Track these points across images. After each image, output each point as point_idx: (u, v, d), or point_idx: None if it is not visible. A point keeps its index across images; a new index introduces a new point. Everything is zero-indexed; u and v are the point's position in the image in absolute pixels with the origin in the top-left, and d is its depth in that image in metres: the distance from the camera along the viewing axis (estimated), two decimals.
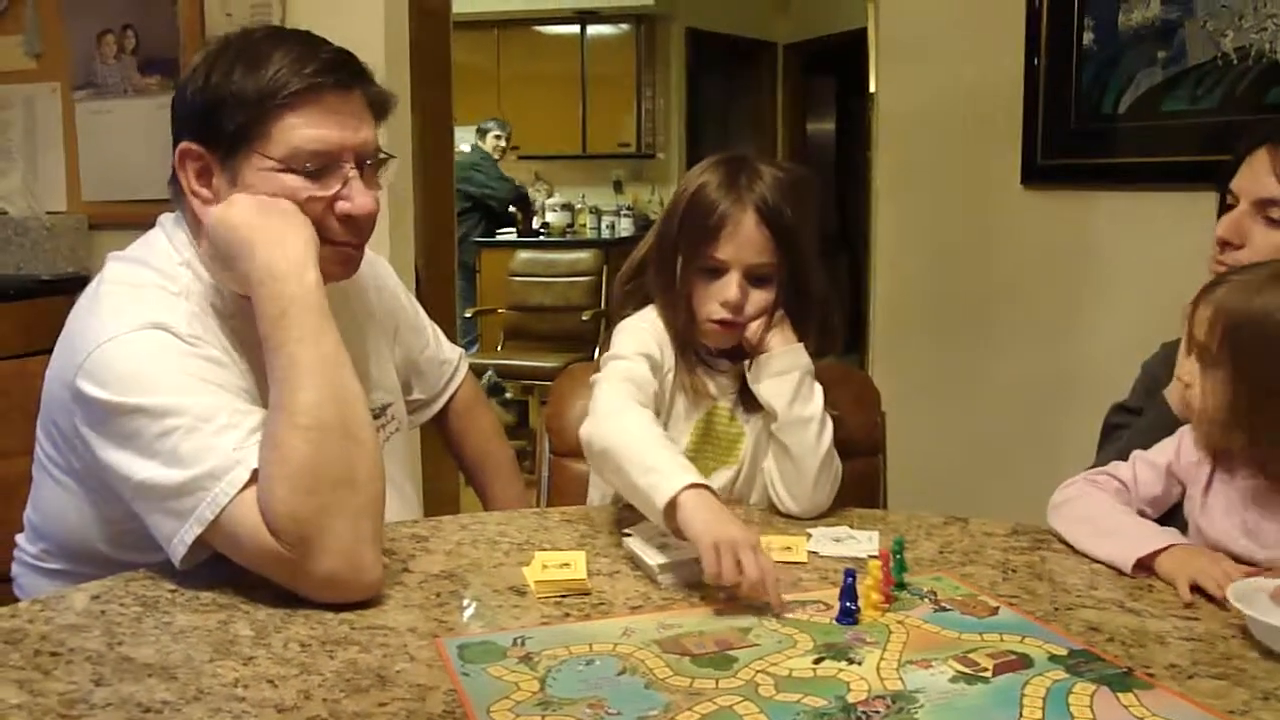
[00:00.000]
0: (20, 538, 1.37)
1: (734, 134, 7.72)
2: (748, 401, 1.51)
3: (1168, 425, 1.35)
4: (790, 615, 1.09)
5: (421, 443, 2.35)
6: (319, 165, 1.25)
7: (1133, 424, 1.50)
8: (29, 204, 2.88)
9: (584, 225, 7.31)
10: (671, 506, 1.16)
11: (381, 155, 1.32)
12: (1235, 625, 1.05)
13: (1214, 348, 1.19)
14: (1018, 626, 1.06)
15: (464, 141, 5.93)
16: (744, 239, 1.42)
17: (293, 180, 1.24)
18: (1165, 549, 1.19)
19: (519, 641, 1.02)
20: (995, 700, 0.91)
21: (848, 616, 1.07)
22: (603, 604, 1.13)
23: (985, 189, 2.81)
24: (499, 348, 5.83)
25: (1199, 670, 0.97)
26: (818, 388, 1.46)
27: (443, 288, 3.35)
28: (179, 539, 1.12)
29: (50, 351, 1.26)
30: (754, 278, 1.44)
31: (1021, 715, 0.88)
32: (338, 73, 1.26)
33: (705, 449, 1.51)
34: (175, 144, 1.27)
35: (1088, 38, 2.58)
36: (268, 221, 1.20)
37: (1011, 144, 2.72)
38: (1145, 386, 1.54)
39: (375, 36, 2.53)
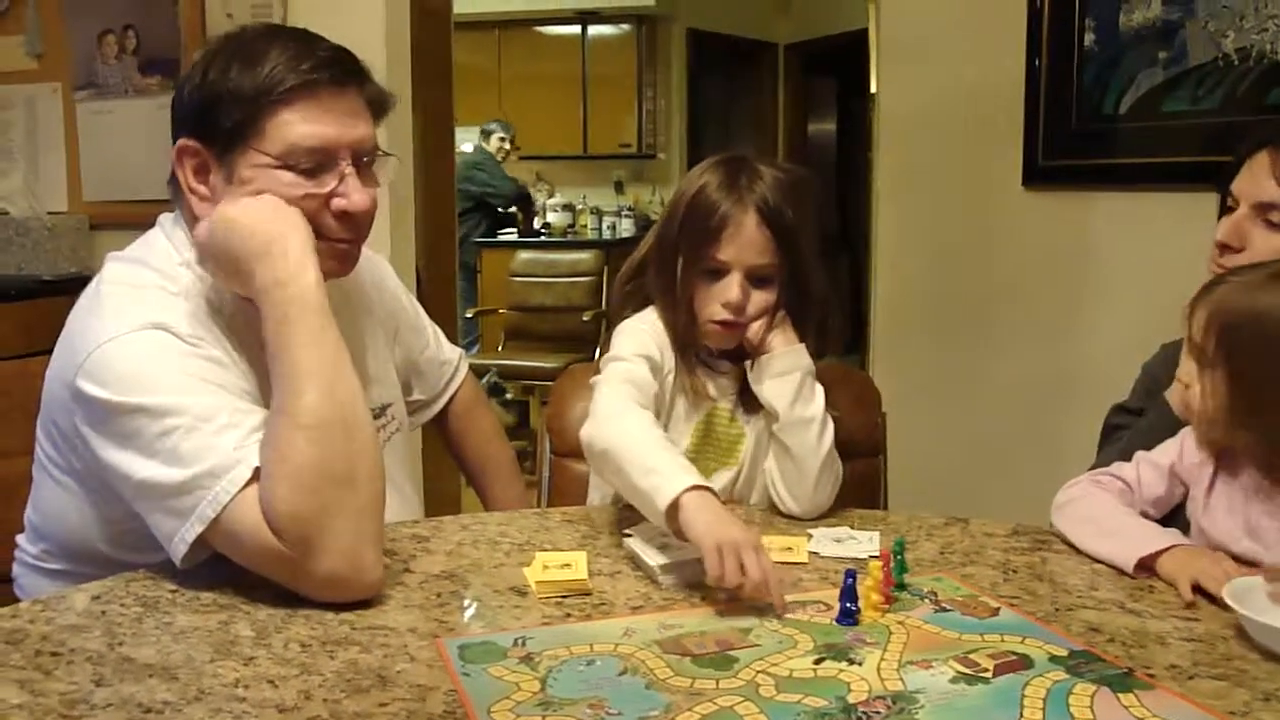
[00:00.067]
0: (21, 538, 1.37)
1: (735, 134, 7.72)
2: (748, 402, 1.51)
3: (1168, 426, 1.35)
4: (791, 616, 1.09)
5: (422, 443, 2.35)
6: (315, 162, 1.25)
7: (1133, 425, 1.50)
8: (30, 204, 2.89)
9: (585, 226, 7.31)
10: (673, 508, 1.16)
11: (379, 153, 1.32)
12: (1236, 626, 1.05)
13: (1210, 348, 1.19)
14: (1018, 627, 1.06)
15: (465, 142, 5.94)
16: (745, 240, 1.42)
17: (288, 177, 1.24)
18: (1167, 549, 1.19)
19: (520, 642, 1.02)
20: (996, 701, 0.91)
21: (848, 617, 1.07)
22: (603, 604, 1.13)
23: (986, 189, 2.81)
24: (500, 348, 5.83)
25: (1199, 671, 0.97)
26: (819, 388, 1.46)
27: (444, 288, 3.35)
28: (179, 538, 1.12)
29: (51, 352, 1.26)
30: (755, 278, 1.44)
31: (1022, 716, 0.88)
32: (333, 69, 1.26)
33: (705, 450, 1.51)
34: (174, 142, 1.27)
35: (1089, 38, 2.58)
36: (263, 225, 1.19)
37: (1012, 144, 2.72)
38: (1145, 387, 1.54)
39: (376, 37, 2.53)
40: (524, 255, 6.15)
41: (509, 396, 5.14)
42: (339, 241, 1.29)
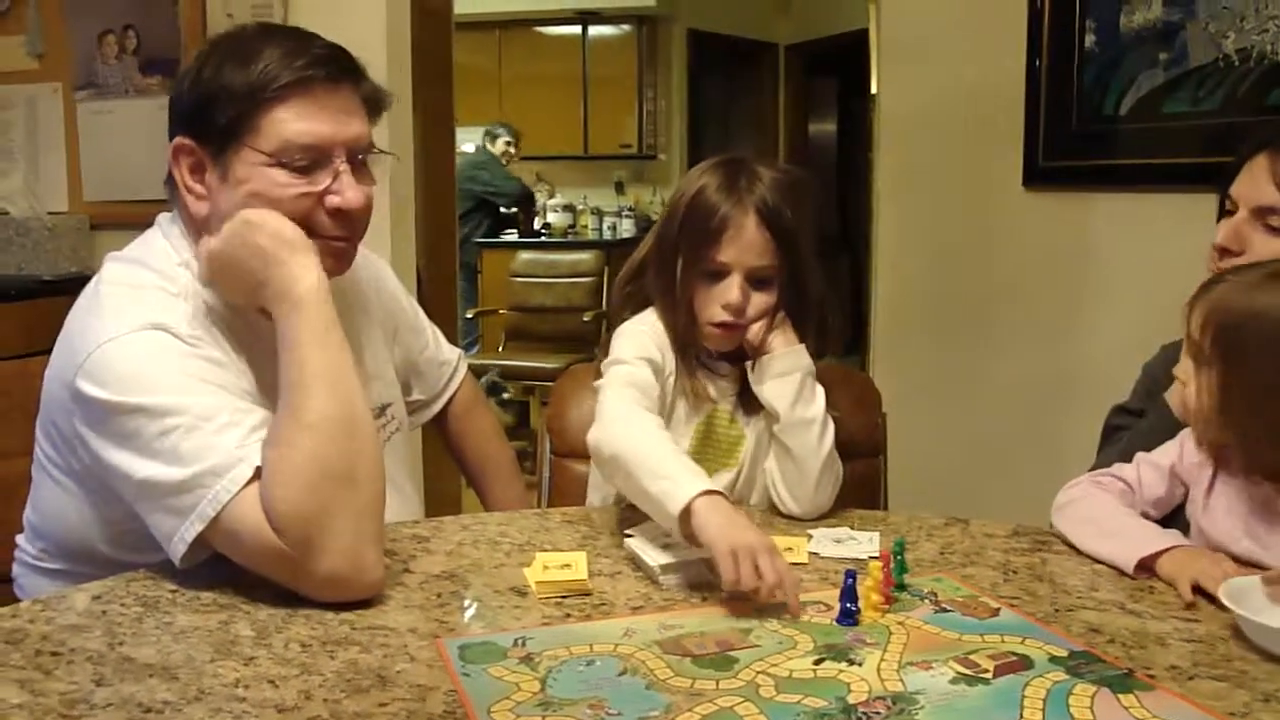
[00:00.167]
0: (20, 538, 1.37)
1: (735, 135, 7.72)
2: (747, 403, 1.51)
3: (1168, 427, 1.35)
4: (778, 615, 1.09)
5: (423, 443, 2.35)
6: (309, 159, 1.25)
7: (1133, 426, 1.50)
8: (30, 204, 2.88)
9: (585, 226, 7.31)
10: (685, 513, 1.16)
11: (375, 150, 1.32)
12: (1234, 626, 1.05)
13: (1206, 346, 1.19)
14: (1018, 628, 1.06)
15: (466, 142, 5.94)
16: (745, 241, 1.42)
17: (283, 175, 1.24)
18: (1167, 550, 1.19)
19: (520, 642, 1.02)
20: (996, 701, 0.91)
21: (848, 617, 1.07)
22: (604, 605, 1.13)
23: (986, 190, 2.81)
24: (500, 348, 5.83)
25: (1199, 672, 0.97)
26: (820, 389, 1.46)
27: (444, 288, 3.35)
28: (179, 537, 1.12)
29: (51, 352, 1.26)
30: (755, 280, 1.44)
31: (1022, 717, 0.88)
32: (328, 66, 1.26)
33: (706, 452, 1.51)
34: (170, 141, 1.27)
35: (1089, 39, 2.58)
36: (258, 241, 1.20)
37: (1013, 145, 2.72)
38: (1146, 388, 1.54)
39: (377, 37, 2.53)
40: (524, 256, 6.15)
41: (507, 396, 5.13)
42: (334, 239, 1.29)
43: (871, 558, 1.16)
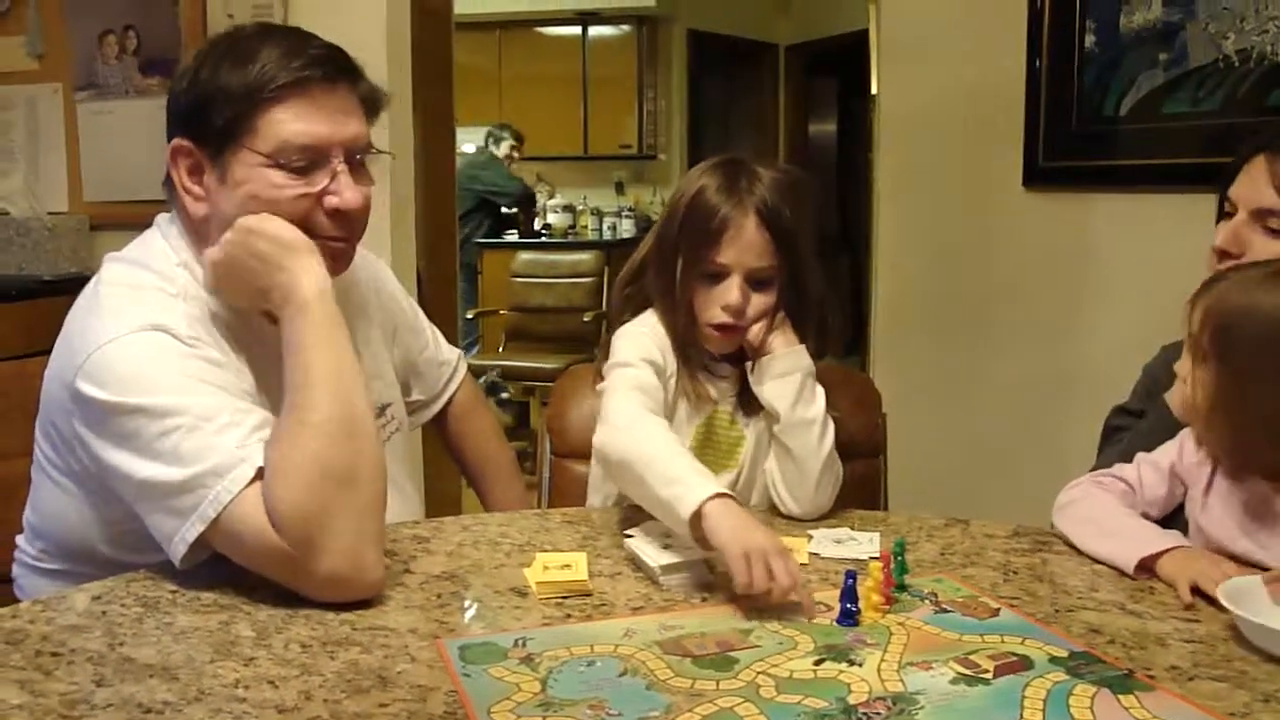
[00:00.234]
0: (20, 538, 1.37)
1: (735, 135, 7.72)
2: (747, 404, 1.51)
3: (1168, 428, 1.35)
4: (791, 617, 1.09)
5: (423, 443, 2.35)
6: (307, 160, 1.25)
7: (1133, 426, 1.50)
8: (30, 204, 2.88)
9: (585, 226, 7.31)
10: (696, 517, 1.16)
11: (373, 150, 1.32)
12: (1233, 627, 1.05)
13: (1205, 342, 1.19)
14: (1018, 628, 1.06)
15: (466, 142, 5.94)
16: (745, 242, 1.42)
17: (280, 176, 1.24)
18: (1168, 550, 1.19)
19: (520, 642, 1.02)
20: (996, 702, 0.91)
21: (848, 618, 1.07)
22: (604, 605, 1.13)
23: (986, 190, 2.81)
24: (500, 349, 5.83)
25: (1200, 672, 0.97)
26: (820, 389, 1.46)
27: (444, 288, 3.35)
28: (180, 537, 1.12)
29: (51, 352, 1.26)
30: (755, 281, 1.44)
31: (1022, 717, 0.88)
32: (325, 67, 1.26)
33: (706, 453, 1.51)
34: (169, 143, 1.27)
35: (1089, 39, 2.58)
36: (259, 247, 1.21)
37: (1013, 145, 2.72)
38: (1146, 389, 1.53)
39: (377, 37, 2.53)
40: (524, 256, 6.15)
41: (506, 396, 5.14)
42: (333, 240, 1.29)
43: (872, 558, 1.16)
